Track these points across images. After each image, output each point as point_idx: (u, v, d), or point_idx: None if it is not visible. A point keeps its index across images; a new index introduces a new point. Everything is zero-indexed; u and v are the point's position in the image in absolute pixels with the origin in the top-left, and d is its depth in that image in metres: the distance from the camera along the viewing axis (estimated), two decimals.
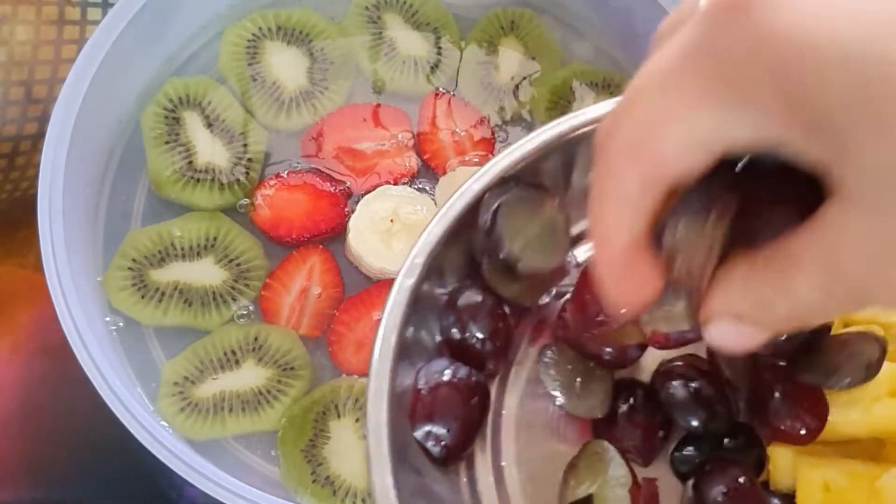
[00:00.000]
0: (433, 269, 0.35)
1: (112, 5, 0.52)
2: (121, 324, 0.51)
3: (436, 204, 0.54)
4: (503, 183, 0.35)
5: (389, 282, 0.52)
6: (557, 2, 0.61)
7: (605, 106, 0.35)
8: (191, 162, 0.54)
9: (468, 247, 0.36)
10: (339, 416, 0.50)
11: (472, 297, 0.36)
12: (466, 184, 0.35)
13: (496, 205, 0.34)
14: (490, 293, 0.36)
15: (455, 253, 0.36)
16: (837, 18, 0.21)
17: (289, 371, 0.51)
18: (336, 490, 0.49)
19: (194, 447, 0.49)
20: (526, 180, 0.35)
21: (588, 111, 0.36)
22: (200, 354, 0.51)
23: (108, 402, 0.47)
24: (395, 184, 0.55)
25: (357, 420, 0.50)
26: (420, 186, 0.55)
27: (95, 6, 0.59)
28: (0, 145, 0.56)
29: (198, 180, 0.53)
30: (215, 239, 0.52)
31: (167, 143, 0.54)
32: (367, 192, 0.54)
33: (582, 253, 0.38)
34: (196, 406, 0.50)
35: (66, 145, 0.50)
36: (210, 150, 0.54)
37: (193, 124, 0.54)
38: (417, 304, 0.34)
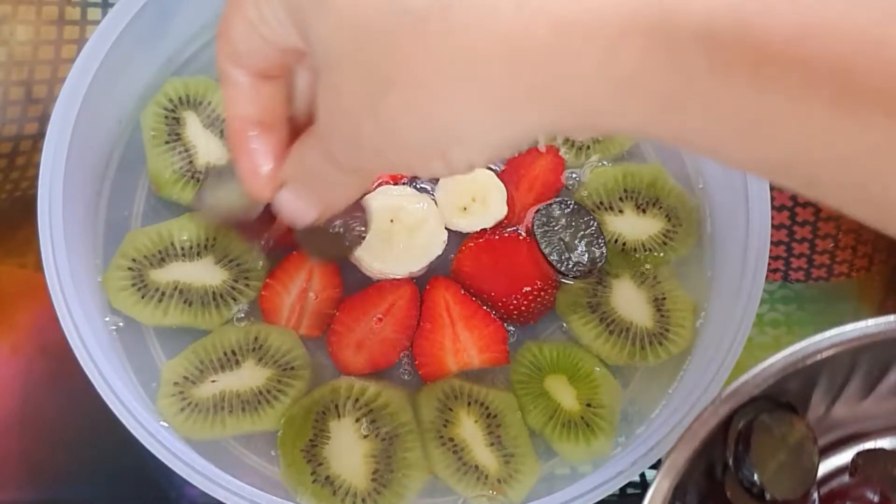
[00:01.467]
0: (678, 489, 0.35)
1: (112, 5, 0.52)
2: (121, 324, 0.51)
3: (436, 204, 0.54)
4: (751, 402, 0.36)
5: (390, 282, 0.53)
6: None
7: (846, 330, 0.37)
8: (191, 162, 0.54)
9: (711, 463, 0.37)
10: (339, 416, 0.50)
11: None
12: (714, 402, 0.36)
13: (745, 429, 0.36)
14: None
15: (699, 471, 0.36)
16: None
17: (289, 371, 0.51)
18: (336, 490, 0.49)
19: (194, 447, 0.49)
20: (774, 400, 0.36)
21: (833, 334, 0.37)
22: (200, 354, 0.51)
23: (108, 401, 0.47)
24: (395, 184, 0.54)
25: (357, 420, 0.50)
26: (420, 186, 0.55)
27: (95, 6, 0.59)
28: (0, 145, 0.56)
29: (198, 180, 0.53)
30: (215, 239, 0.52)
31: (167, 143, 0.54)
32: (367, 192, 0.54)
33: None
34: (196, 406, 0.50)
35: (66, 145, 0.50)
36: (210, 150, 0.54)
37: (193, 124, 0.54)
38: None
